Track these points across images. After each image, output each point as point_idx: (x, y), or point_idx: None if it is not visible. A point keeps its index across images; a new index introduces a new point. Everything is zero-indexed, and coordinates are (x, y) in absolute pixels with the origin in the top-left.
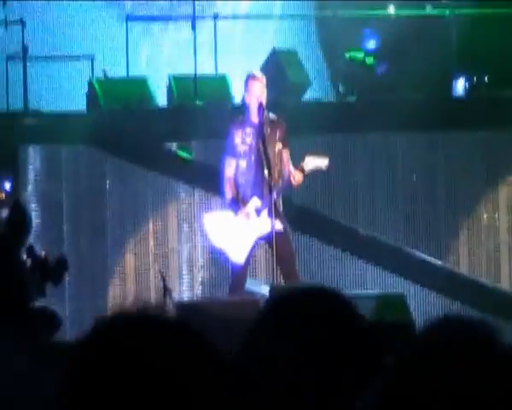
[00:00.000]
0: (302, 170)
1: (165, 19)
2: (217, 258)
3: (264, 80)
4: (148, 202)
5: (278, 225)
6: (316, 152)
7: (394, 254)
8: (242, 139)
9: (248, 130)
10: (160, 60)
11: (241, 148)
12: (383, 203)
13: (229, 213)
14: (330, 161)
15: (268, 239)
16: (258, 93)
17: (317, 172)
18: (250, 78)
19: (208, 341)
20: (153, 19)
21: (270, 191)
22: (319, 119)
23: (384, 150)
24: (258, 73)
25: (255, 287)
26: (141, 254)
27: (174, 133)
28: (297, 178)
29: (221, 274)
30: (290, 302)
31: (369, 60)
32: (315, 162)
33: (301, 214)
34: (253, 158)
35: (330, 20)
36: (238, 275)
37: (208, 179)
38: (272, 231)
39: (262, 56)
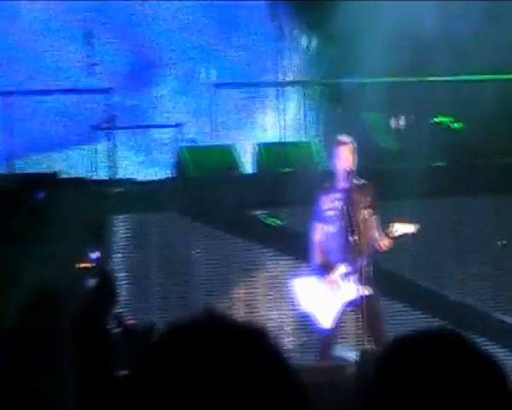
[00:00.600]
0: (390, 235)
1: (252, 85)
2: (306, 324)
3: (352, 145)
4: (235, 270)
5: (366, 291)
6: (404, 219)
7: (483, 318)
8: (330, 205)
9: (337, 195)
10: (247, 127)
11: (329, 213)
12: (471, 268)
13: (317, 279)
14: (419, 226)
15: (356, 304)
16: (346, 158)
17: (405, 237)
18: (337, 143)
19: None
20: (240, 85)
21: (358, 256)
22: (408, 184)
23: (472, 214)
24: (346, 138)
25: (344, 353)
26: None
27: (262, 200)
28: (384, 243)
29: (310, 340)
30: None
31: (458, 124)
32: (403, 228)
33: (389, 278)
34: (340, 223)
35: (416, 85)
36: (327, 340)
37: (296, 246)
38: (361, 296)
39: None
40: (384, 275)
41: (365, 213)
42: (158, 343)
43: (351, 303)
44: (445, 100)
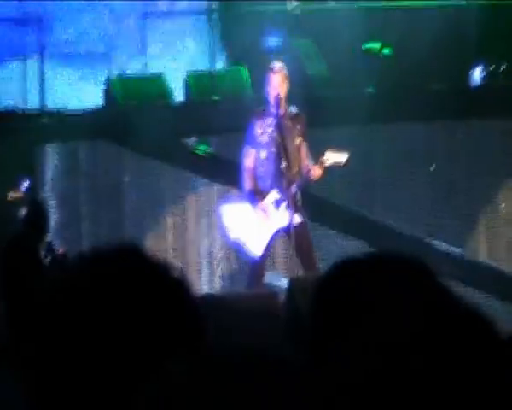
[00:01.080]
0: (321, 165)
1: (182, 14)
2: (236, 251)
3: (284, 72)
4: (166, 197)
5: (297, 218)
6: (335, 147)
7: (414, 242)
8: (263, 130)
9: (269, 121)
10: (177, 56)
11: (262, 138)
12: (402, 192)
13: (247, 206)
14: (350, 155)
15: (286, 231)
16: (278, 85)
17: (336, 167)
18: (269, 70)
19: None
20: (170, 14)
21: (289, 184)
22: (339, 111)
23: (404, 141)
24: (278, 65)
25: (274, 280)
26: (159, 249)
27: (193, 129)
28: (316, 172)
29: (240, 267)
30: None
31: (387, 50)
32: (335, 157)
33: (319, 206)
34: (272, 149)
35: (347, 12)
36: (256, 268)
37: (228, 173)
38: (291, 224)
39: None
40: (316, 202)
41: (297, 141)
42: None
43: (281, 231)
44: (376, 26)
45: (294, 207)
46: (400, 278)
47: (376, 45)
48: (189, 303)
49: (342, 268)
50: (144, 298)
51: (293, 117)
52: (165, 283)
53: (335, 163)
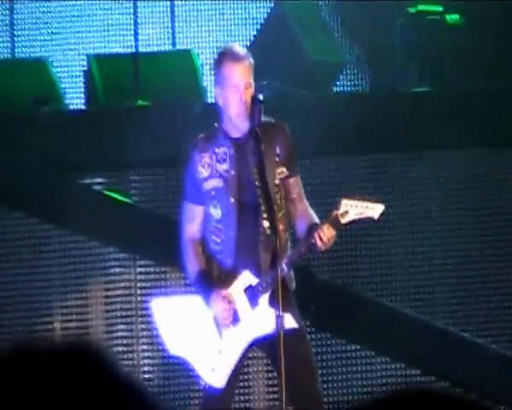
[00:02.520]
0: (336, 222)
1: None
2: (178, 374)
3: (249, 61)
4: (50, 282)
5: (289, 321)
6: (358, 194)
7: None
8: (212, 169)
9: (225, 150)
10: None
11: (214, 183)
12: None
13: (196, 300)
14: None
15: (270, 344)
16: (242, 82)
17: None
18: (225, 57)
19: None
20: None
21: (273, 257)
22: (354, 126)
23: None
24: (240, 50)
25: None
26: None
27: (98, 159)
28: (326, 235)
29: (185, 398)
30: None
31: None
32: (360, 210)
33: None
34: (231, 200)
35: None
36: (215, 407)
37: (159, 241)
38: (277, 332)
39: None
40: (323, 292)
41: (278, 175)
42: None
43: (259, 342)
44: None
45: (284, 300)
46: None
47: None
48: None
49: None
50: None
51: (267, 133)
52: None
53: (360, 218)
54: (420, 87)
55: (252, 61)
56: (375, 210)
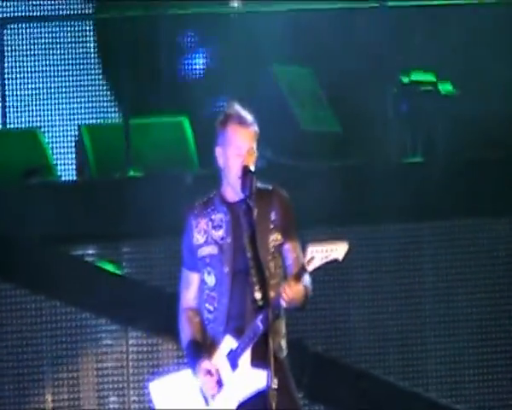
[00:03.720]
0: (302, 272)
1: None
2: None
3: (255, 128)
4: (41, 353)
5: (273, 382)
6: (324, 238)
7: None
8: (208, 236)
9: (218, 217)
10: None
11: (206, 251)
12: None
13: (187, 374)
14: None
15: (254, 404)
16: (244, 146)
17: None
18: (231, 119)
19: None
20: None
21: (255, 322)
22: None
23: None
24: (246, 115)
25: None
26: None
27: (90, 230)
28: (290, 296)
29: None
30: None
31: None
32: (325, 252)
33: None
34: (226, 268)
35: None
36: None
37: (151, 312)
38: (263, 392)
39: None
40: (316, 364)
41: (271, 240)
42: None
43: (245, 406)
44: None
45: (270, 359)
46: None
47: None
48: None
49: None
50: None
51: (263, 200)
52: None
53: (327, 262)
54: (413, 157)
55: (257, 129)
56: (338, 251)
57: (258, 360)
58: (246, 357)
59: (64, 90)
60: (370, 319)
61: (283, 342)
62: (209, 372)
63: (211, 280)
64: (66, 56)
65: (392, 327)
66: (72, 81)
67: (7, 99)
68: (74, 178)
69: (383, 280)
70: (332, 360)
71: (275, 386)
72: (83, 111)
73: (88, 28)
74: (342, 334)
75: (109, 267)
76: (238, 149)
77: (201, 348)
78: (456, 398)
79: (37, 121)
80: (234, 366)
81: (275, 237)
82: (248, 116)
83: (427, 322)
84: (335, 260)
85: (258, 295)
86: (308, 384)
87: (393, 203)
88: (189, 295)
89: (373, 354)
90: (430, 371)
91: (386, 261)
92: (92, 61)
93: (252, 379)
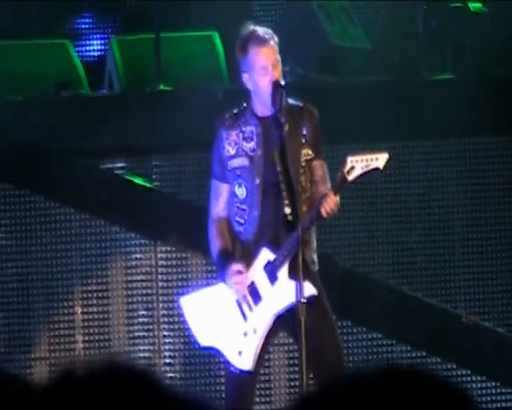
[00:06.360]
0: (342, 182)
1: None
2: (198, 362)
3: (274, 40)
4: (71, 266)
5: (309, 289)
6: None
7: None
8: (239, 148)
9: (252, 129)
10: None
11: (237, 162)
12: None
13: (220, 289)
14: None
15: (291, 316)
16: (268, 64)
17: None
18: (249, 42)
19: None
20: None
21: (292, 232)
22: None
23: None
24: (266, 32)
25: None
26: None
27: (119, 143)
28: (330, 206)
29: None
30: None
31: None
32: (365, 163)
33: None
34: (257, 181)
35: None
36: (241, 392)
37: (181, 226)
38: (297, 302)
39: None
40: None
41: (302, 156)
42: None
43: (282, 318)
44: None
45: (304, 272)
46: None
47: None
48: None
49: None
50: None
51: (294, 116)
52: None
53: (367, 171)
54: (442, 74)
55: (276, 39)
56: (379, 160)
57: (296, 273)
58: (284, 270)
59: (95, 2)
60: (399, 235)
61: (315, 256)
62: (240, 272)
63: (241, 192)
64: None
65: (421, 243)
66: None
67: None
68: (104, 91)
69: (412, 196)
70: (360, 276)
71: (312, 293)
72: (113, 25)
73: None
74: (371, 250)
75: (139, 181)
76: (264, 69)
77: (232, 256)
78: (484, 316)
79: (67, 34)
80: (273, 278)
81: (306, 152)
82: (265, 32)
83: (457, 239)
84: (376, 170)
85: (287, 210)
86: (336, 300)
87: (424, 119)
88: (219, 206)
89: (401, 270)
90: (459, 288)
91: (416, 177)
92: None
93: (289, 292)
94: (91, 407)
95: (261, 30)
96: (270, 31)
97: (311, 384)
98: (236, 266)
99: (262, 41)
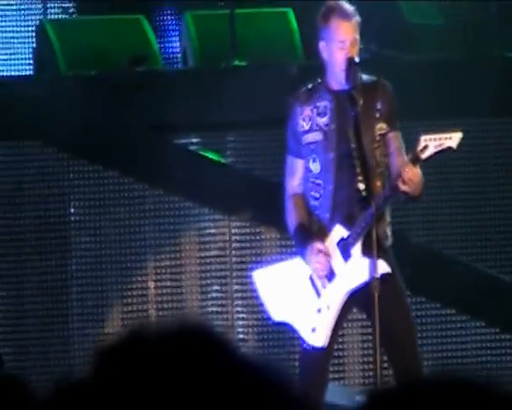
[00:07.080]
0: (416, 159)
1: None
2: (272, 338)
3: (356, 18)
4: (145, 241)
5: (383, 266)
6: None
7: None
8: (313, 123)
9: (326, 105)
10: None
11: (314, 137)
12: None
13: (293, 264)
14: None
15: (364, 293)
16: (347, 39)
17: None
18: (333, 13)
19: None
20: None
21: (367, 208)
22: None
23: None
24: (348, 7)
25: (341, 397)
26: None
27: (194, 119)
28: (407, 176)
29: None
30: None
31: None
32: (439, 142)
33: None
34: (331, 154)
35: None
36: (314, 369)
37: (258, 200)
38: (371, 280)
39: None
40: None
41: (377, 131)
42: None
43: (355, 295)
44: None
45: (378, 249)
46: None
47: None
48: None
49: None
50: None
51: (368, 91)
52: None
53: (441, 150)
54: None
55: (358, 18)
56: (453, 139)
57: (369, 251)
58: (357, 247)
59: None
60: (470, 213)
61: (388, 230)
62: (322, 251)
63: (316, 167)
64: None
65: (494, 220)
66: None
67: None
68: (179, 66)
69: (485, 173)
70: (433, 252)
71: (387, 271)
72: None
73: None
74: (443, 226)
75: (213, 156)
76: (342, 42)
77: (310, 232)
78: None
79: (140, 9)
80: (346, 255)
81: (380, 126)
82: (349, 7)
83: None
84: (449, 149)
85: (361, 186)
86: (409, 276)
87: (495, 97)
88: (295, 182)
89: (474, 246)
90: None
91: (489, 154)
92: None
93: (363, 269)
94: (161, 367)
95: (346, 5)
96: (353, 8)
97: (385, 362)
98: (319, 246)
99: (345, 15)
